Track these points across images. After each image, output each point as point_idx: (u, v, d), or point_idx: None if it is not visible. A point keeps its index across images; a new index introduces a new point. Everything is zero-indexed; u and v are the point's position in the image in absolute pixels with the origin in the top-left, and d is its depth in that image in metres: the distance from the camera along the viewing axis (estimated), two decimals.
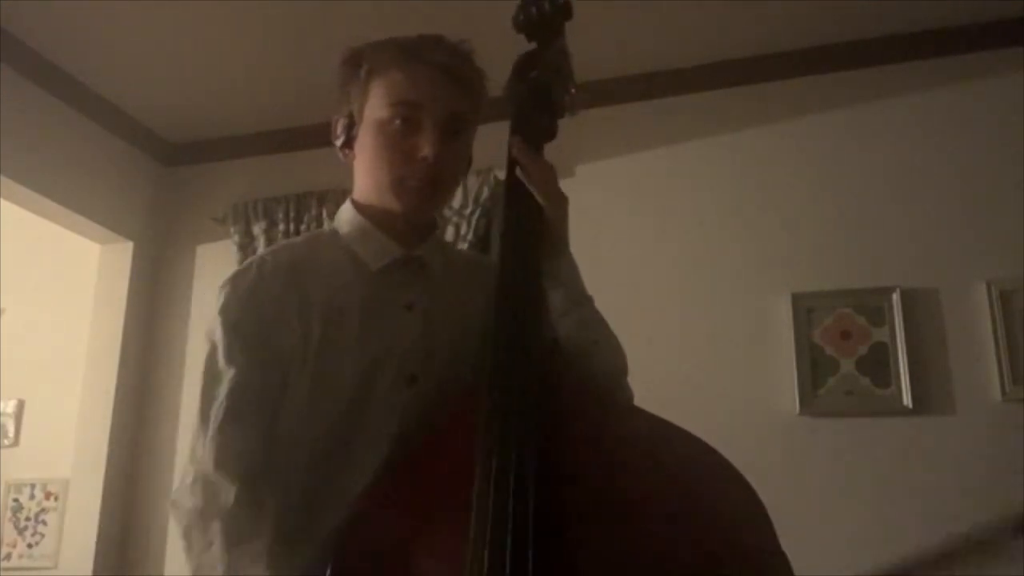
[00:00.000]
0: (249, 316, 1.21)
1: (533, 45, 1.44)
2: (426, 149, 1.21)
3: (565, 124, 1.42)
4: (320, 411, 1.19)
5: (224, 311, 1.22)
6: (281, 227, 3.33)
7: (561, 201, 1.27)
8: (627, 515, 0.99)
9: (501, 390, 1.06)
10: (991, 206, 2.72)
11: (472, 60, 1.29)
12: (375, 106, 1.25)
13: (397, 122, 1.23)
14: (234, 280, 1.25)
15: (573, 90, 1.42)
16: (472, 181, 3.08)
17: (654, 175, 3.07)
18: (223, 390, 1.16)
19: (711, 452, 1.02)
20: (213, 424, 1.15)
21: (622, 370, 1.30)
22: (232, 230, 3.40)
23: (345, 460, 1.18)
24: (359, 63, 1.27)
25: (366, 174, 1.28)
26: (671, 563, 0.96)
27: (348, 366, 1.20)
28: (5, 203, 3.20)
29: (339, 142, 1.30)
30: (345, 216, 1.32)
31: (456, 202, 3.10)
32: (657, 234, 3.00)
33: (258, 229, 3.36)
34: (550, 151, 1.35)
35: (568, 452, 1.03)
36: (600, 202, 3.03)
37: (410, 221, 1.28)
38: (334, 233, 1.32)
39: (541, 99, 1.37)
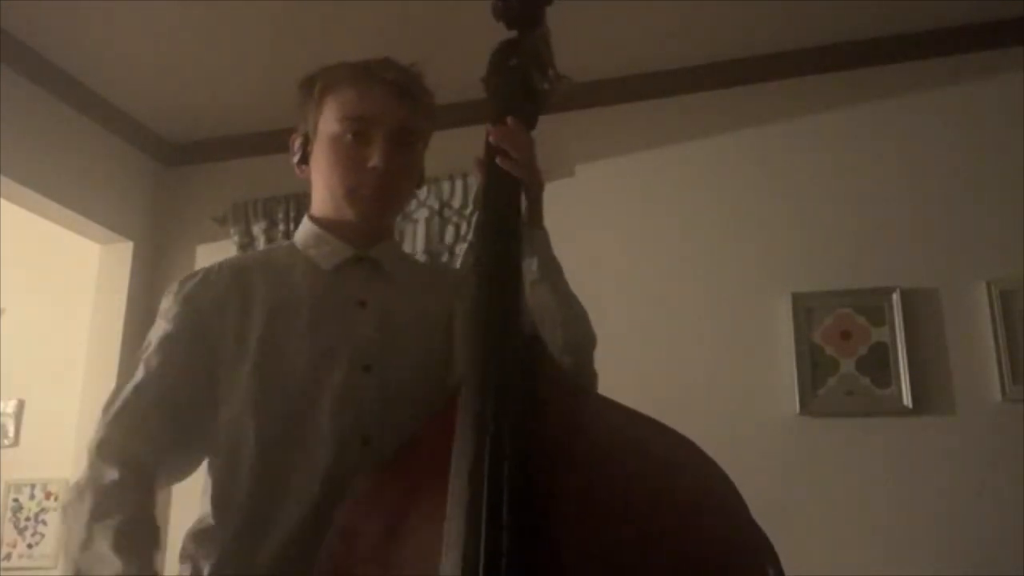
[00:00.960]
0: (183, 321, 1.27)
1: (513, 33, 1.44)
2: (375, 159, 1.28)
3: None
4: (266, 401, 1.23)
5: (163, 315, 1.29)
6: (281, 227, 3.33)
7: (538, 173, 1.31)
8: (608, 510, 0.99)
9: (482, 385, 1.06)
10: (991, 206, 2.72)
11: (421, 79, 1.36)
12: (328, 121, 1.32)
13: (349, 136, 1.30)
14: (180, 284, 1.32)
15: (553, 77, 1.43)
16: (472, 181, 3.08)
17: (654, 175, 3.06)
18: (129, 386, 1.24)
19: (687, 444, 1.03)
20: (109, 412, 1.23)
21: (591, 341, 1.34)
22: (232, 230, 3.40)
23: (298, 445, 1.21)
24: (313, 84, 1.36)
25: (321, 186, 1.35)
26: (653, 554, 0.96)
27: (296, 357, 1.25)
28: (5, 203, 3.21)
29: (296, 158, 1.38)
30: (301, 228, 1.39)
31: (456, 202, 3.10)
32: (657, 234, 3.00)
33: (258, 229, 3.35)
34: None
35: (547, 448, 1.03)
36: (600, 202, 3.04)
37: (363, 228, 1.34)
38: (291, 244, 1.39)
39: (521, 87, 1.39)
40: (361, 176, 1.29)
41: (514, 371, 1.06)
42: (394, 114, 1.30)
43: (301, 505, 1.18)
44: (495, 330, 1.11)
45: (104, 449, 1.20)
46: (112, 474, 1.17)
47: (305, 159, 1.37)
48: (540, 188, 1.32)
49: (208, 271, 1.33)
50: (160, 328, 1.28)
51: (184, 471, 1.28)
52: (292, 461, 1.20)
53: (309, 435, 1.21)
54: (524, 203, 1.30)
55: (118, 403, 1.23)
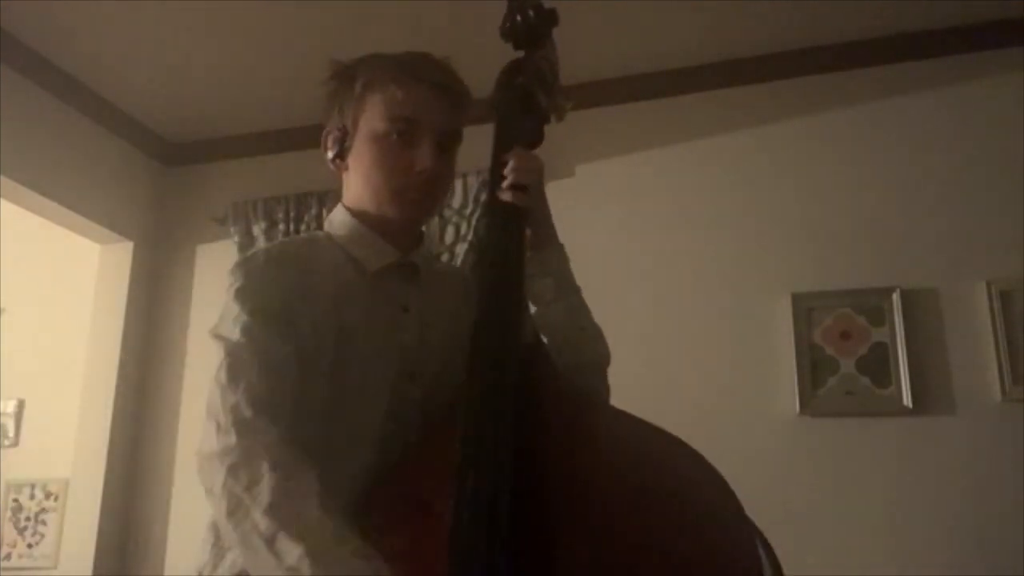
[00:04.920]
0: (267, 298, 1.20)
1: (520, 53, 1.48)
2: (423, 162, 1.27)
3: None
4: (336, 401, 1.21)
5: (241, 294, 1.20)
6: (281, 227, 3.33)
7: (543, 193, 1.33)
8: (603, 514, 1.00)
9: (481, 398, 1.07)
10: (991, 206, 2.71)
11: (460, 78, 1.34)
12: (372, 119, 1.29)
13: (394, 136, 1.28)
14: (245, 266, 1.25)
15: (559, 96, 1.47)
16: (472, 181, 3.08)
17: (654, 175, 3.06)
18: (250, 354, 1.14)
19: (684, 448, 1.03)
20: (246, 377, 1.12)
21: (606, 360, 1.35)
22: (232, 230, 3.40)
23: (347, 450, 1.19)
24: (353, 77, 1.32)
25: (363, 183, 1.32)
26: (648, 560, 0.96)
27: (359, 361, 1.23)
28: (5, 203, 3.21)
29: (331, 154, 1.35)
30: (339, 219, 1.35)
31: (456, 202, 3.10)
32: (657, 234, 3.00)
33: (258, 229, 3.36)
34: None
35: (547, 463, 1.04)
36: (600, 202, 3.04)
37: (403, 228, 1.33)
38: (329, 236, 1.35)
39: (527, 105, 1.42)
40: (408, 179, 1.28)
41: (509, 388, 1.07)
42: (441, 117, 1.29)
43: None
44: (492, 352, 1.12)
45: (260, 406, 1.09)
46: (274, 431, 1.07)
47: (342, 154, 1.33)
48: (546, 210, 1.33)
49: (267, 252, 1.27)
50: (248, 309, 1.18)
51: None
52: (337, 464, 1.16)
53: (359, 441, 1.20)
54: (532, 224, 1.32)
55: (251, 366, 1.12)
